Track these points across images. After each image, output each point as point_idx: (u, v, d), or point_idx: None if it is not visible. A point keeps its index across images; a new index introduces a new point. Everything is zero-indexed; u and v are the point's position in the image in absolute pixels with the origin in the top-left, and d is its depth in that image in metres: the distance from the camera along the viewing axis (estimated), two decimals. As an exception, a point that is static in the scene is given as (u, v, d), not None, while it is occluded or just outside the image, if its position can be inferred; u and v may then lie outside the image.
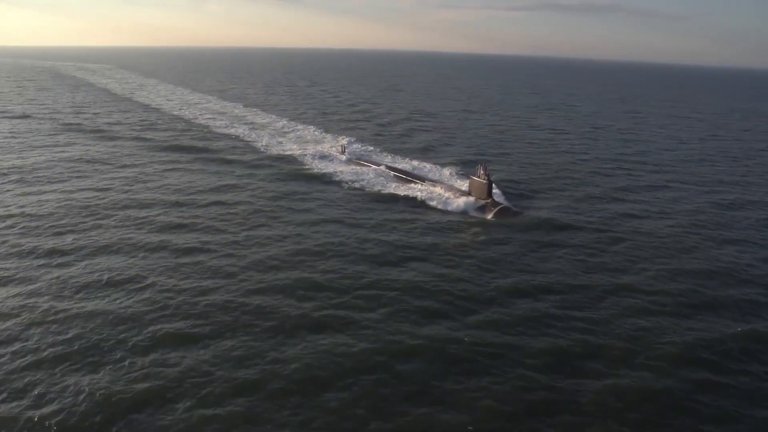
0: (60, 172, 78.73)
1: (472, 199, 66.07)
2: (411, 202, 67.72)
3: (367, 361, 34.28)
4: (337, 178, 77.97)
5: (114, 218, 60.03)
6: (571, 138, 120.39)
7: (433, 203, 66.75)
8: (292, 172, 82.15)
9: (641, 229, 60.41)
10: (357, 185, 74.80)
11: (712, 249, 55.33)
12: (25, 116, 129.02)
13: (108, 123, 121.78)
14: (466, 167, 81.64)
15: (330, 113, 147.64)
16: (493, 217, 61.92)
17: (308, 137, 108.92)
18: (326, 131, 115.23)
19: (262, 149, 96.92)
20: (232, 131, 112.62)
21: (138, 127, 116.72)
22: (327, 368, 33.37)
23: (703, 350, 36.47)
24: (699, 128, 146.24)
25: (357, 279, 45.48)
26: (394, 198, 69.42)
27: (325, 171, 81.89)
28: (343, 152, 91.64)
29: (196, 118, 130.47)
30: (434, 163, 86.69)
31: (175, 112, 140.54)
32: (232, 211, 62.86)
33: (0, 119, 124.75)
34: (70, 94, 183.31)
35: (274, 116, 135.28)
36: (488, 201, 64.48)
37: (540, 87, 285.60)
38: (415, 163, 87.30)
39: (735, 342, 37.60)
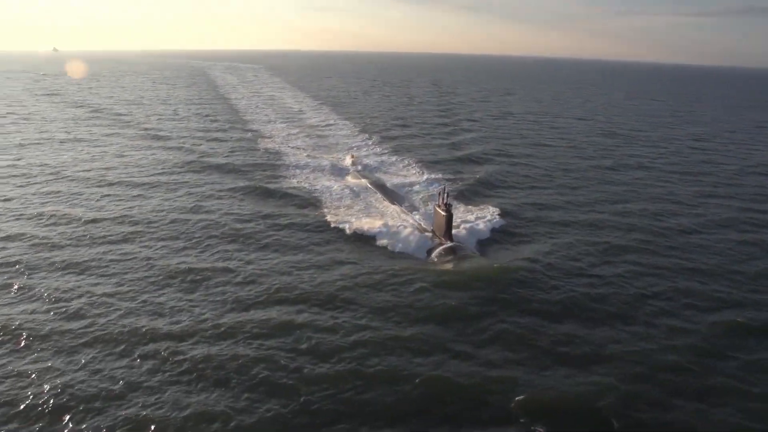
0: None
1: (427, 235, 48.46)
2: (353, 234, 49.45)
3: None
4: (297, 192, 62.66)
5: (30, 187, 63.01)
6: (637, 145, 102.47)
7: (383, 239, 47.91)
8: (253, 179, 67.94)
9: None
10: (311, 202, 58.98)
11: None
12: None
13: (145, 114, 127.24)
14: (473, 187, 66.99)
15: (401, 116, 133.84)
16: (442, 263, 43.40)
17: (338, 142, 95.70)
18: (370, 134, 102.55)
19: (261, 149, 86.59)
20: (260, 126, 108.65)
21: (158, 118, 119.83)
22: None
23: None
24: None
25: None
26: (338, 227, 50.83)
27: (296, 182, 67.34)
28: (353, 163, 77.05)
29: (248, 114, 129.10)
30: (449, 180, 69.09)
31: (241, 109, 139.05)
32: (128, 203, 59.07)
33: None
34: (178, 87, 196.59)
35: (334, 116, 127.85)
36: (443, 240, 46.59)
37: (675, 95, 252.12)
38: (429, 176, 71.39)
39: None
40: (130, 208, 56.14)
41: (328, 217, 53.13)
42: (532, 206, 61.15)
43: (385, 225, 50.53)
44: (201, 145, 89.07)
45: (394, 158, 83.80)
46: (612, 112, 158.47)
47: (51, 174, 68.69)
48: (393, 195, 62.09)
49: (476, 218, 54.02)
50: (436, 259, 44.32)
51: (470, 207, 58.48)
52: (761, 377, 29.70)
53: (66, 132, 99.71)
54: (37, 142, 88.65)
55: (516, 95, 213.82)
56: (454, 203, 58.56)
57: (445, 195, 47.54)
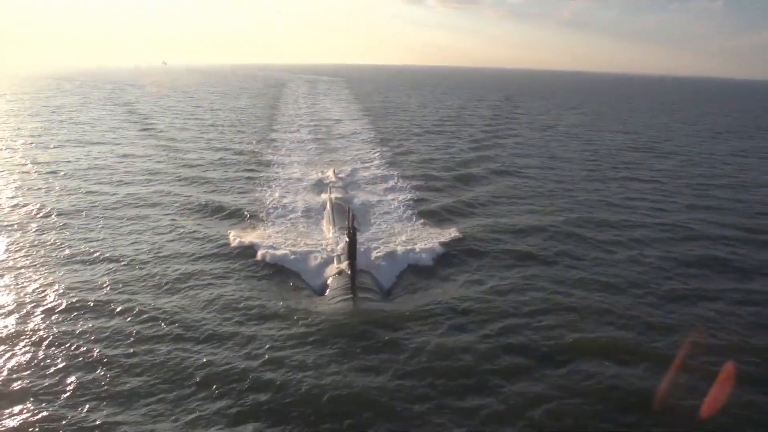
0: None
1: (332, 259, 42.99)
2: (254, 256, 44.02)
3: None
4: (246, 205, 58.99)
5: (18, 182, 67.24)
6: (667, 159, 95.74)
7: (281, 257, 43.35)
8: (215, 187, 67.35)
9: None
10: (250, 215, 54.97)
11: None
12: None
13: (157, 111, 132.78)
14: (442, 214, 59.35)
15: (437, 129, 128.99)
16: (334, 302, 36.44)
17: (342, 155, 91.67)
18: (385, 146, 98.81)
19: (253, 160, 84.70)
20: (279, 135, 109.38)
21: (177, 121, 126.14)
22: None
23: None
24: None
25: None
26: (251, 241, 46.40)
27: (256, 195, 63.63)
28: (335, 177, 72.54)
29: (280, 123, 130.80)
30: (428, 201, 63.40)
31: (279, 118, 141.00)
32: (91, 198, 62.26)
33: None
34: (241, 98, 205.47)
35: (367, 127, 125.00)
36: (342, 266, 40.78)
37: (755, 111, 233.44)
38: (407, 193, 66.01)
39: None
40: (90, 202, 59.00)
41: (244, 231, 49.94)
42: (486, 217, 57.99)
43: (295, 245, 46.73)
44: (202, 152, 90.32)
45: (387, 173, 77.45)
46: (666, 128, 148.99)
47: (46, 172, 72.80)
48: (341, 215, 53.54)
49: (414, 239, 49.30)
50: (324, 283, 40.49)
51: (420, 228, 53.30)
52: (553, 395, 26.71)
53: (100, 135, 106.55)
54: (60, 144, 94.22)
55: (579, 110, 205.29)
56: (425, 223, 54.41)
57: (351, 218, 41.87)
